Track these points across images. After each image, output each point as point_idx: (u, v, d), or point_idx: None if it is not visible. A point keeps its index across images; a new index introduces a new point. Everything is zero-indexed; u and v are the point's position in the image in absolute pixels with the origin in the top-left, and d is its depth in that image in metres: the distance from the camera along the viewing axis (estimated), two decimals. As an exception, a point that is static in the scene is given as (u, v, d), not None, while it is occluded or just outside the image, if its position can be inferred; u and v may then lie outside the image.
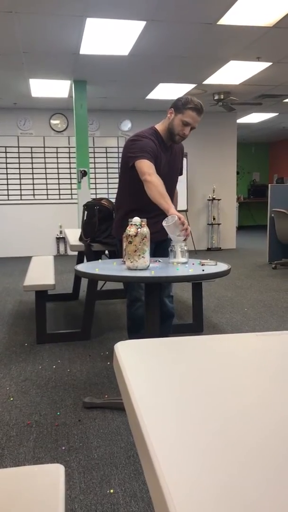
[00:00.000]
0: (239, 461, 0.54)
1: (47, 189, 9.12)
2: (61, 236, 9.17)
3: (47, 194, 9.13)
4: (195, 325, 3.90)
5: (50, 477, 1.04)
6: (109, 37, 5.05)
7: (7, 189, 8.99)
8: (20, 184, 9.03)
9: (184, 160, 9.83)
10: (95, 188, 9.05)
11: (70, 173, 9.09)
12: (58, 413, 2.50)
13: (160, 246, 2.85)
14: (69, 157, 9.06)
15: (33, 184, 9.07)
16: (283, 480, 0.50)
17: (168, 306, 3.12)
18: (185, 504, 0.46)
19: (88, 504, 1.76)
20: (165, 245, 2.69)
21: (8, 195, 9.00)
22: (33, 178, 9.05)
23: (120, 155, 3.08)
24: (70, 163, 9.06)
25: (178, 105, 2.75)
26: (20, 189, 9.04)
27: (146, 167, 2.61)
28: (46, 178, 9.09)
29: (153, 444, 0.57)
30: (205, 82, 7.07)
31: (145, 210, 2.66)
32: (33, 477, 1.06)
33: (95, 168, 9.15)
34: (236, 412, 0.67)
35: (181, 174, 3.11)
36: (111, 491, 1.83)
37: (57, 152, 9.08)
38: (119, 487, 1.86)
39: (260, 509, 0.46)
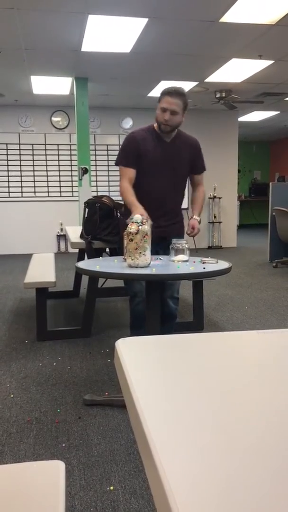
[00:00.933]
0: (240, 458, 0.54)
1: (48, 186, 9.12)
2: (62, 234, 9.17)
3: (48, 192, 9.13)
4: (196, 323, 3.90)
5: (51, 474, 1.04)
6: (111, 34, 5.04)
7: (8, 186, 8.99)
8: (21, 181, 9.02)
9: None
10: (96, 186, 9.04)
11: (71, 171, 9.08)
12: (59, 410, 2.51)
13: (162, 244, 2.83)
14: (70, 155, 9.06)
15: (34, 181, 9.06)
16: (284, 477, 0.50)
17: (170, 307, 3.08)
18: (187, 500, 0.46)
19: (88, 501, 1.76)
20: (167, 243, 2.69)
21: (9, 192, 9.00)
22: (34, 176, 9.04)
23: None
24: (71, 160, 9.06)
25: (159, 97, 2.86)
26: (21, 186, 9.03)
27: (121, 173, 2.92)
28: (47, 176, 9.08)
29: (154, 441, 0.57)
30: (206, 80, 7.05)
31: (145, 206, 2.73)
32: (33, 474, 1.06)
33: (96, 165, 9.14)
34: (237, 409, 0.67)
35: (201, 170, 3.13)
36: (111, 488, 1.84)
37: (58, 150, 9.07)
38: (119, 484, 1.86)
39: (262, 505, 0.46)
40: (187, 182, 3.14)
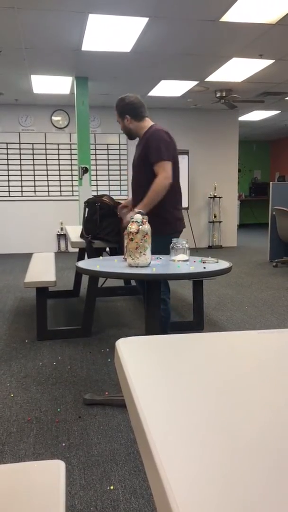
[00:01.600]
0: (240, 457, 0.54)
1: (48, 186, 9.12)
2: (62, 233, 9.17)
3: (48, 191, 9.13)
4: (196, 322, 3.90)
5: (51, 473, 1.04)
6: (111, 33, 5.04)
7: (8, 186, 8.99)
8: (21, 180, 9.02)
9: (185, 157, 9.74)
10: (96, 185, 9.04)
11: (71, 170, 9.08)
12: (59, 410, 2.51)
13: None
14: (71, 154, 9.06)
15: (34, 180, 9.06)
16: (284, 476, 0.50)
17: None
18: (187, 500, 0.46)
19: (88, 501, 1.76)
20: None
21: (9, 191, 9.00)
22: (34, 175, 9.04)
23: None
24: (71, 159, 9.06)
25: None
26: (21, 186, 9.03)
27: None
28: (47, 175, 9.09)
29: (154, 441, 0.57)
30: (207, 79, 7.05)
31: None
32: (33, 473, 1.06)
33: (96, 165, 9.14)
34: (237, 409, 0.67)
35: (152, 160, 2.97)
36: (111, 487, 1.84)
37: (58, 149, 9.07)
38: (119, 483, 1.86)
39: (262, 504, 0.46)
40: (150, 176, 3.01)
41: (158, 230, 2.59)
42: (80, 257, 4.66)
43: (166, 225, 3.03)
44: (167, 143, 3.02)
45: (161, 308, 3.07)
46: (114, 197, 3.93)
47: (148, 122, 3.12)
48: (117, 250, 3.63)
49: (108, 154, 9.26)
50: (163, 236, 2.71)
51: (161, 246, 2.61)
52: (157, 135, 3.01)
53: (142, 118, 3.09)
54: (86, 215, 3.80)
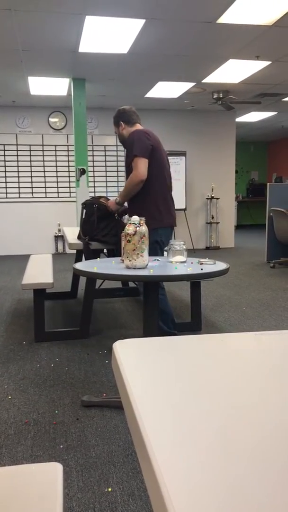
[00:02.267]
0: (237, 460, 0.54)
1: (45, 187, 9.11)
2: (59, 235, 9.16)
3: (46, 192, 9.12)
4: (193, 323, 3.90)
5: (48, 476, 1.04)
6: (108, 35, 5.04)
7: (6, 187, 8.98)
8: (19, 182, 9.02)
9: (183, 158, 9.79)
10: (94, 187, 9.04)
11: (69, 171, 9.08)
12: (56, 412, 2.50)
13: None
14: (68, 155, 9.06)
15: (32, 182, 9.06)
16: (283, 479, 0.50)
17: None
18: (184, 503, 0.46)
19: (86, 503, 1.76)
20: None
21: (6, 193, 9.00)
22: (31, 176, 9.04)
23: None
24: (68, 161, 9.05)
25: None
26: (19, 187, 9.03)
27: None
28: (44, 176, 9.08)
29: (152, 443, 0.56)
30: (204, 81, 7.06)
31: None
32: (31, 476, 1.06)
33: (93, 166, 9.14)
34: (235, 411, 0.67)
35: (131, 157, 3.20)
36: (109, 489, 1.83)
37: (55, 150, 9.07)
38: (117, 485, 1.86)
39: (260, 507, 0.46)
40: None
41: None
42: (78, 259, 4.66)
43: (150, 219, 3.12)
44: (141, 141, 3.17)
45: None
46: (112, 199, 3.93)
47: (137, 127, 3.32)
48: (115, 251, 3.63)
49: (105, 155, 9.27)
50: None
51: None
52: (132, 134, 3.22)
53: (134, 124, 3.35)
54: (83, 217, 3.80)
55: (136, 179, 3.13)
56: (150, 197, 3.19)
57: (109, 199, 3.82)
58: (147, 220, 3.03)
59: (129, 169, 3.26)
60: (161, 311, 3.20)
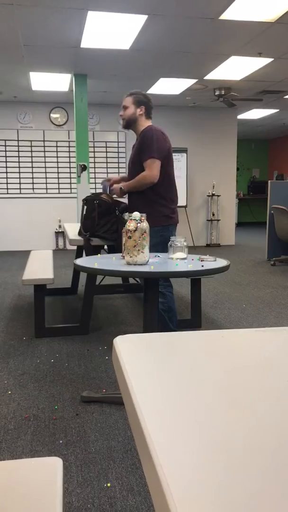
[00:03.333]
0: (237, 455, 0.54)
1: (46, 183, 9.11)
2: (60, 231, 9.16)
3: (47, 188, 9.12)
4: (194, 320, 3.90)
5: (48, 470, 1.04)
6: (110, 30, 5.03)
7: (7, 183, 8.98)
8: (20, 178, 9.01)
9: (184, 155, 9.78)
10: (95, 183, 9.03)
11: (70, 167, 9.07)
12: (56, 407, 2.51)
13: None
14: (69, 151, 9.04)
15: (33, 178, 9.05)
16: (282, 475, 0.50)
17: None
18: (184, 497, 0.46)
19: (85, 498, 1.77)
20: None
21: (7, 188, 8.99)
22: (32, 172, 9.03)
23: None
24: (69, 157, 9.04)
25: None
26: (20, 183, 9.02)
27: None
28: (45, 172, 9.07)
29: (152, 438, 0.57)
30: (206, 78, 7.04)
31: None
32: (30, 470, 1.06)
33: (94, 162, 9.13)
34: (235, 406, 0.67)
35: (145, 158, 3.14)
36: (108, 485, 1.84)
37: (56, 146, 9.06)
38: (116, 481, 1.86)
39: (259, 502, 0.46)
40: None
41: (155, 221, 2.98)
42: (78, 255, 4.66)
43: (161, 217, 3.20)
44: (160, 142, 3.16)
45: (160, 301, 3.09)
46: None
47: (150, 123, 3.30)
48: (115, 247, 3.62)
49: (106, 151, 9.25)
50: (155, 228, 2.98)
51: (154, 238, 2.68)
52: (151, 134, 3.16)
53: (149, 118, 3.31)
54: (84, 213, 3.79)
55: (148, 180, 3.15)
56: (163, 197, 3.22)
57: (110, 195, 3.82)
58: (160, 217, 3.15)
59: (136, 163, 3.22)
60: (169, 308, 3.21)
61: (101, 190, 3.74)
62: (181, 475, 0.50)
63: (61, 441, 2.17)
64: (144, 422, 0.60)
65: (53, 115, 9.00)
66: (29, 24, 4.84)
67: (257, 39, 5.30)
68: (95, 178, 9.10)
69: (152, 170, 3.13)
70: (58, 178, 9.13)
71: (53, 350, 3.38)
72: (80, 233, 3.82)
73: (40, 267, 4.10)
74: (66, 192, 9.15)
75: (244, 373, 0.80)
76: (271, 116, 10.37)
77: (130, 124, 3.26)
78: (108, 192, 3.44)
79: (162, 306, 3.14)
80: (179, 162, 8.84)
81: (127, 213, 2.39)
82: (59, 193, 9.16)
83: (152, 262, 2.33)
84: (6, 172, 8.94)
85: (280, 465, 0.52)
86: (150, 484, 0.53)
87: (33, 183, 9.06)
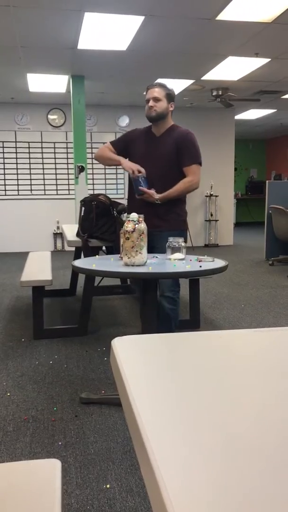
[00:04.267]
0: (235, 456, 0.54)
1: (44, 185, 9.10)
2: (58, 232, 9.15)
3: (45, 190, 9.11)
4: (192, 321, 3.90)
5: (46, 472, 1.04)
6: (107, 32, 5.03)
7: (4, 184, 8.97)
8: (17, 179, 9.00)
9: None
10: (93, 184, 9.03)
11: (68, 169, 9.06)
12: (55, 409, 2.51)
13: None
14: (67, 153, 9.04)
15: (31, 179, 9.05)
16: (282, 475, 0.50)
17: (164, 307, 3.00)
18: (181, 499, 0.46)
19: (84, 499, 1.76)
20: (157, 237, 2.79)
21: (5, 190, 8.98)
22: (30, 174, 9.03)
23: None
24: (67, 158, 9.04)
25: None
26: (17, 184, 9.01)
27: (103, 146, 3.23)
28: (43, 174, 9.07)
29: (150, 439, 0.57)
30: (203, 78, 7.05)
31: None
32: (29, 472, 1.06)
33: (92, 163, 9.12)
34: (233, 407, 0.67)
35: (188, 163, 3.03)
36: (108, 486, 1.84)
37: (54, 148, 9.05)
38: (116, 482, 1.86)
39: (256, 503, 0.46)
40: (178, 176, 3.07)
41: (176, 225, 3.05)
42: (77, 256, 4.65)
43: (183, 221, 3.17)
44: (199, 148, 3.12)
45: (171, 308, 3.05)
46: (111, 196, 3.93)
47: (172, 121, 3.15)
48: (113, 248, 3.62)
49: (104, 152, 9.24)
50: (180, 231, 2.97)
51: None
52: (194, 138, 3.08)
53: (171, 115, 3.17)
54: (82, 214, 3.79)
55: (194, 187, 3.09)
56: (184, 201, 3.20)
57: (108, 196, 3.82)
58: (180, 221, 3.09)
59: (170, 162, 3.02)
60: (177, 315, 3.13)
61: (99, 191, 3.69)
62: (178, 477, 0.50)
63: (60, 443, 2.17)
64: (142, 424, 0.60)
65: (50, 117, 8.99)
66: (26, 25, 4.84)
67: (254, 39, 5.31)
68: (93, 179, 9.09)
69: (197, 176, 3.07)
70: (56, 179, 9.13)
71: (51, 352, 3.38)
72: (78, 234, 3.82)
73: (38, 269, 4.09)
74: (64, 193, 9.14)
75: (243, 374, 0.80)
76: (269, 116, 10.39)
77: (160, 118, 3.03)
78: (143, 187, 2.97)
79: (173, 313, 3.07)
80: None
81: (125, 214, 2.39)
82: (57, 194, 9.15)
83: (150, 263, 2.33)
84: (4, 174, 8.93)
85: (280, 467, 0.52)
86: (148, 486, 0.53)
87: (31, 184, 9.06)
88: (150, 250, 2.52)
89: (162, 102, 3.02)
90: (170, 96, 3.08)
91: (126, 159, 3.10)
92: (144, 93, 3.12)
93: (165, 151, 3.03)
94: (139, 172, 2.96)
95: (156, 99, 3.02)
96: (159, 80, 7.38)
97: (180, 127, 3.12)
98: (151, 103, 3.03)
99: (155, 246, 2.77)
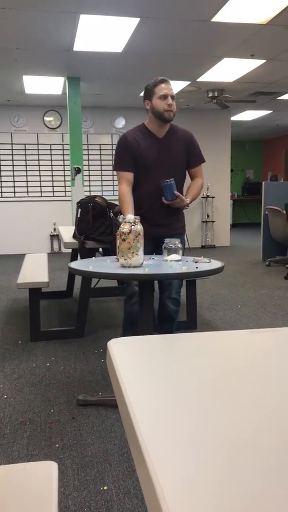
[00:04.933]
0: (231, 457, 0.54)
1: (40, 186, 9.09)
2: (55, 234, 9.15)
3: (41, 192, 9.10)
4: (189, 322, 3.90)
5: (43, 474, 1.04)
6: (103, 34, 5.03)
7: (1, 186, 8.96)
8: (14, 181, 8.99)
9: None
10: (89, 186, 9.02)
11: (64, 170, 9.06)
12: (52, 411, 2.50)
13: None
14: (63, 154, 9.04)
15: (27, 181, 9.04)
16: (278, 476, 0.50)
17: (168, 309, 3.05)
18: (177, 500, 0.46)
19: (81, 501, 1.76)
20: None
21: (1, 192, 8.97)
22: (26, 176, 9.02)
23: (114, 152, 3.13)
24: (64, 160, 9.04)
25: (148, 91, 2.88)
26: (14, 186, 9.00)
27: (118, 178, 2.95)
28: (39, 176, 9.06)
29: (145, 441, 0.57)
30: (199, 80, 7.06)
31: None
32: (26, 474, 1.06)
33: (89, 165, 9.13)
34: (230, 408, 0.67)
35: (197, 163, 3.03)
36: (105, 488, 1.83)
37: (50, 149, 9.05)
38: (113, 484, 1.86)
39: (252, 506, 0.46)
40: (185, 177, 3.07)
41: (182, 229, 3.06)
42: (73, 258, 4.65)
43: (183, 227, 3.12)
44: None
45: (175, 310, 3.08)
46: (107, 198, 3.93)
47: None
48: (110, 250, 3.62)
49: (100, 154, 9.25)
50: (181, 236, 2.98)
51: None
52: (194, 136, 3.06)
53: None
54: (78, 216, 3.79)
55: (202, 187, 3.12)
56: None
57: (104, 198, 3.82)
58: (183, 226, 3.06)
59: (180, 162, 2.95)
60: (177, 316, 3.13)
61: (95, 193, 3.68)
62: (174, 479, 0.50)
63: (57, 445, 2.16)
64: (137, 425, 0.60)
65: (46, 118, 8.99)
66: (22, 27, 4.83)
67: (249, 41, 5.32)
68: (89, 181, 9.09)
69: (203, 177, 3.08)
70: (53, 181, 9.12)
71: (48, 354, 3.37)
72: (74, 236, 3.82)
73: (35, 271, 4.09)
74: (60, 195, 9.14)
75: (240, 374, 0.80)
76: (265, 117, 10.41)
77: (169, 118, 2.86)
78: (174, 192, 2.84)
79: (176, 314, 3.11)
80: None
81: (121, 216, 2.39)
82: (53, 196, 9.14)
83: (147, 264, 2.33)
84: (0, 176, 8.92)
85: (279, 467, 0.52)
86: (144, 488, 0.53)
87: (27, 186, 9.05)
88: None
89: (174, 101, 2.85)
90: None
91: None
92: (151, 89, 2.84)
93: (175, 154, 2.94)
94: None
95: (173, 97, 2.84)
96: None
97: (177, 126, 3.03)
98: (169, 101, 2.80)
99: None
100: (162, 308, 3.07)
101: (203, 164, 3.10)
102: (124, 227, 2.23)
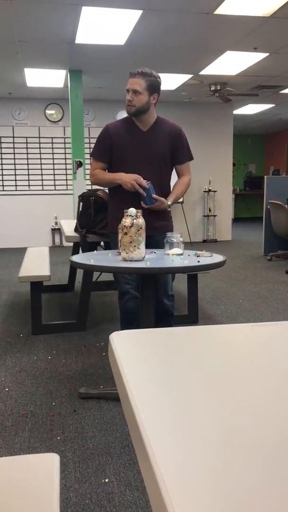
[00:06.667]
0: (234, 450, 0.54)
1: (42, 180, 9.08)
2: (56, 227, 9.14)
3: (42, 185, 9.09)
4: (190, 316, 3.91)
5: (45, 467, 1.04)
6: (105, 26, 5.01)
7: (2, 180, 8.95)
8: (15, 174, 8.98)
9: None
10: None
11: (66, 164, 9.05)
12: (54, 404, 2.51)
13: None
14: (65, 148, 9.02)
15: (28, 174, 9.02)
16: (281, 470, 0.50)
17: (165, 305, 3.01)
18: (179, 493, 0.46)
19: (83, 493, 1.77)
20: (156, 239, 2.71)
21: (3, 185, 8.96)
22: (28, 169, 9.00)
23: None
24: (65, 153, 9.02)
25: None
26: (15, 180, 8.99)
27: (91, 168, 3.00)
28: (41, 169, 9.05)
29: (147, 433, 0.57)
30: (201, 73, 7.03)
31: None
32: (27, 467, 1.06)
33: (90, 159, 9.10)
34: (231, 401, 0.67)
35: (184, 160, 2.95)
36: (106, 480, 1.84)
37: (52, 143, 9.03)
38: (114, 476, 1.87)
39: (256, 499, 0.46)
40: (171, 173, 2.99)
41: (171, 227, 2.97)
42: (75, 251, 4.65)
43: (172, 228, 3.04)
44: None
45: (172, 305, 3.07)
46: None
47: (154, 112, 2.90)
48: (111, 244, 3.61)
49: (102, 148, 9.23)
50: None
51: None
52: (184, 133, 2.95)
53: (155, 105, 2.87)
54: (80, 209, 3.78)
55: (189, 186, 3.06)
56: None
57: (106, 192, 3.81)
58: (170, 223, 2.99)
59: (164, 158, 2.87)
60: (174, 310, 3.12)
61: (97, 187, 3.65)
62: (176, 471, 0.50)
63: (58, 437, 2.17)
64: (139, 418, 0.60)
65: (48, 112, 8.96)
66: (23, 20, 4.81)
67: (252, 34, 5.29)
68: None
69: (190, 174, 3.01)
70: (54, 174, 9.11)
71: (50, 347, 3.38)
72: (76, 230, 3.81)
73: (37, 264, 4.09)
74: (62, 189, 9.13)
75: (241, 368, 0.80)
76: (267, 111, 10.36)
77: (139, 113, 2.78)
78: (153, 195, 2.76)
79: (173, 309, 3.09)
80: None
81: (131, 209, 2.35)
82: (55, 189, 9.13)
83: (149, 258, 2.33)
84: (2, 169, 8.91)
85: (279, 461, 0.52)
86: (146, 480, 0.53)
87: (29, 179, 9.04)
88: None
89: (142, 95, 2.73)
90: (152, 87, 2.76)
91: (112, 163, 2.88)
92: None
93: (159, 149, 2.85)
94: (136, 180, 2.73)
95: (136, 92, 2.73)
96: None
97: (167, 120, 2.92)
98: (129, 96, 2.76)
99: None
100: (160, 306, 2.97)
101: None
102: (126, 221, 2.23)
